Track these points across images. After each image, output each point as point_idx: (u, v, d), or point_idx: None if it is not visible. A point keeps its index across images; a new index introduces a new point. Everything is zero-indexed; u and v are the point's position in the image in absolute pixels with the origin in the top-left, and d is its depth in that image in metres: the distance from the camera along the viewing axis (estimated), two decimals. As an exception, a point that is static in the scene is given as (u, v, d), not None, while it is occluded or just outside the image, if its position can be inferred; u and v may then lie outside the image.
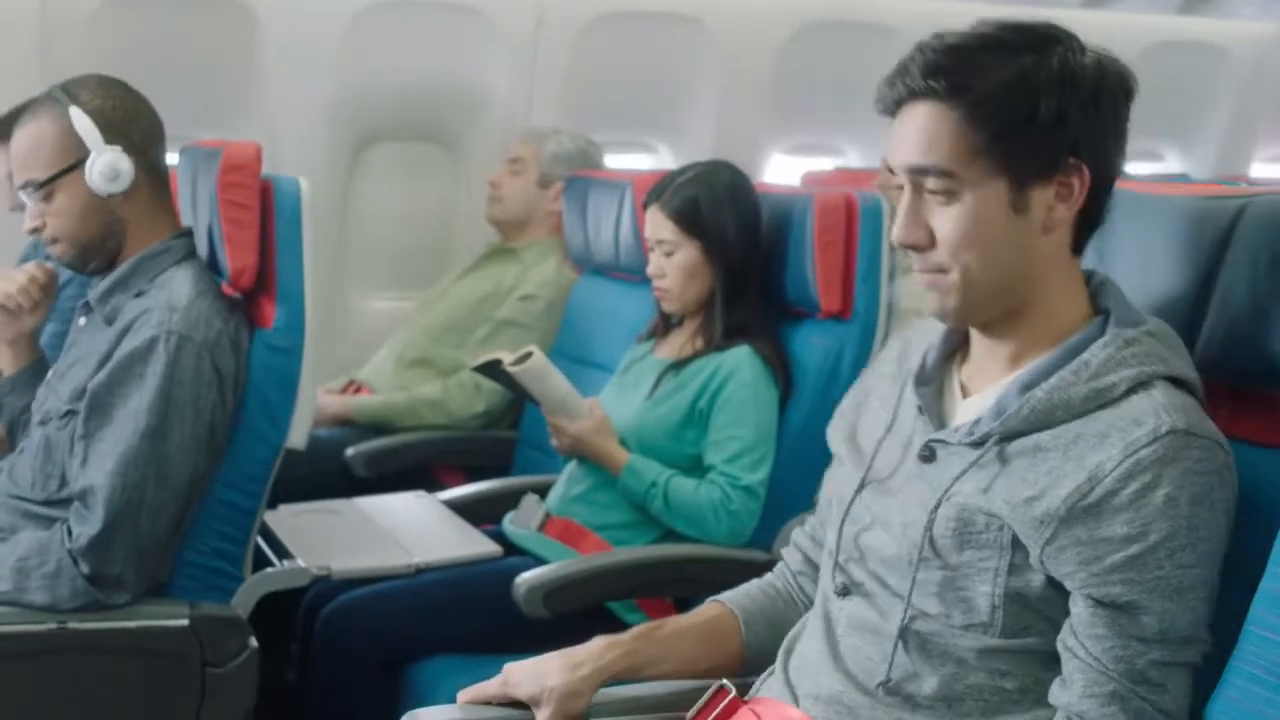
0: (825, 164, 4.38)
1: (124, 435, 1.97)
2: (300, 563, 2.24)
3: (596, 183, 3.03)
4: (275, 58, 3.51)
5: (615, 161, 3.94)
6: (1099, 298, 1.34)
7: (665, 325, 2.53)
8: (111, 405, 1.99)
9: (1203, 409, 1.26)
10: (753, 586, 1.68)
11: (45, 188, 2.07)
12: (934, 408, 1.40)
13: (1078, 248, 1.34)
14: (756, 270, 2.40)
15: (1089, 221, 1.32)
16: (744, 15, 4.01)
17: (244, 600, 2.11)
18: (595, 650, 1.56)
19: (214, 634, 2.05)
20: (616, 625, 2.25)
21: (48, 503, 2.06)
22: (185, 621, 2.03)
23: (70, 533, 1.97)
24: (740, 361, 2.33)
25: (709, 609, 1.65)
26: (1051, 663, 1.27)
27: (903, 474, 1.39)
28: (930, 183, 1.28)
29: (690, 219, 2.38)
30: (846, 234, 2.36)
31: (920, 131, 1.28)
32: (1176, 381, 1.26)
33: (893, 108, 1.32)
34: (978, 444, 1.30)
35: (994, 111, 1.25)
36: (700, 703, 1.53)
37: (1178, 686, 1.22)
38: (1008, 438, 1.28)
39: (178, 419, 1.99)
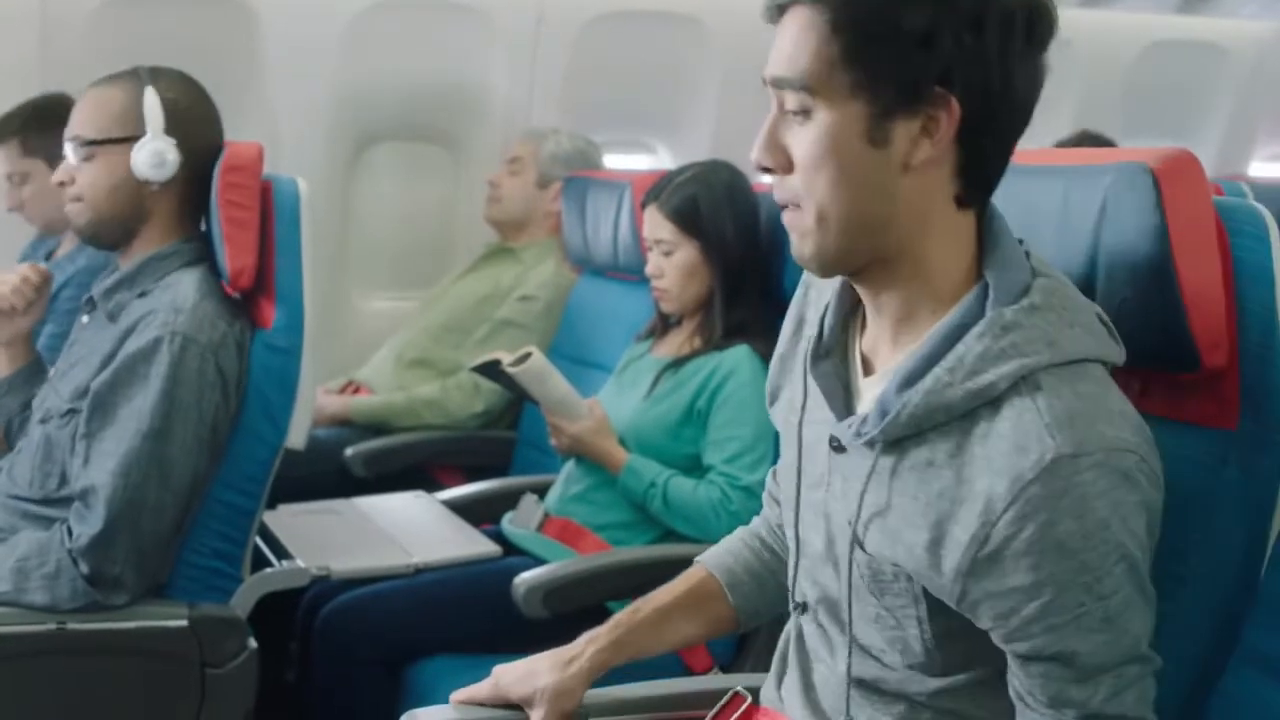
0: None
1: (126, 435, 1.97)
2: (300, 563, 2.24)
3: (595, 183, 3.03)
4: (275, 58, 3.51)
5: (614, 161, 3.94)
6: (986, 256, 1.20)
7: (664, 325, 2.54)
8: (114, 405, 1.99)
9: (1109, 375, 1.17)
10: (735, 542, 1.62)
11: (90, 147, 2.07)
12: (835, 390, 1.27)
13: (967, 199, 1.19)
14: (755, 270, 2.40)
15: (974, 170, 1.17)
16: (743, 15, 4.00)
17: (243, 601, 2.11)
18: (582, 646, 1.53)
19: (213, 634, 2.05)
20: (616, 625, 2.26)
21: (46, 501, 2.06)
22: (184, 622, 2.03)
23: (70, 532, 1.97)
24: (739, 361, 2.33)
25: (691, 576, 1.60)
26: (1005, 690, 1.21)
27: (824, 464, 1.29)
28: (789, 99, 1.17)
29: (689, 219, 2.38)
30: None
31: (788, 39, 1.16)
32: (1066, 365, 1.14)
33: (775, 14, 1.19)
34: (870, 445, 1.21)
35: (855, 18, 1.12)
36: (716, 709, 1.51)
37: (1136, 701, 1.16)
38: (894, 442, 1.18)
39: (180, 420, 1.99)
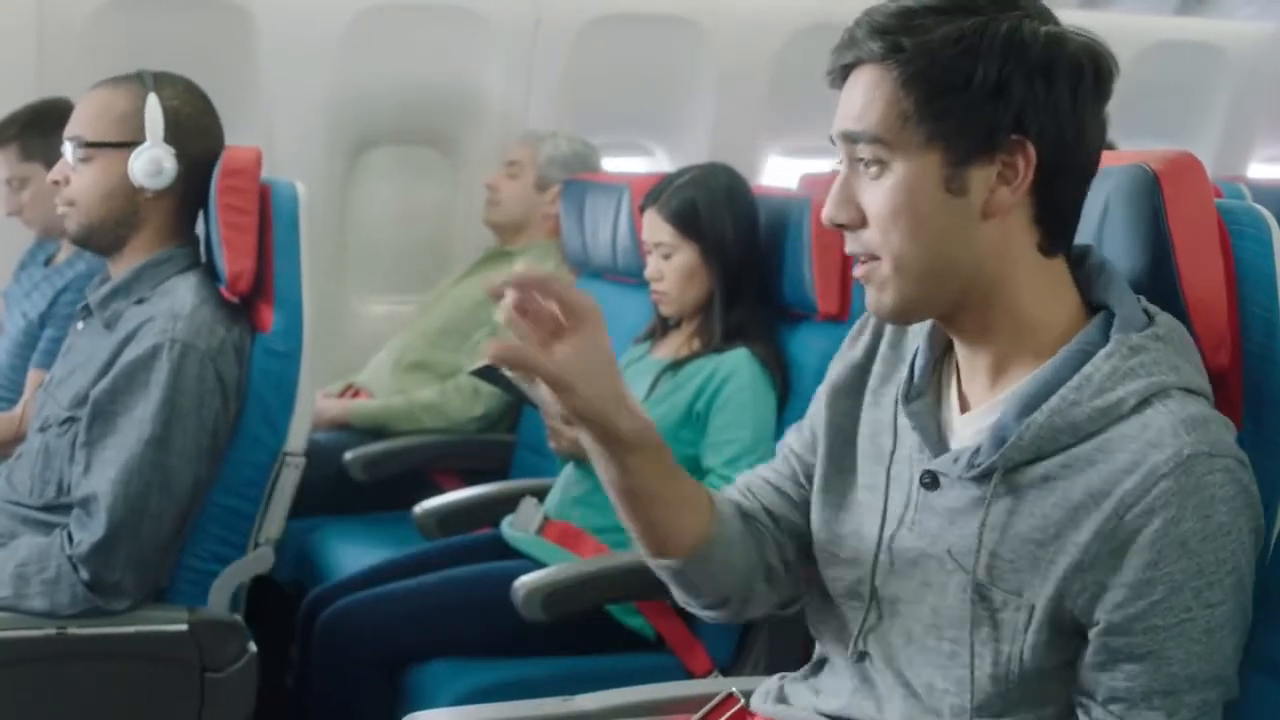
0: (822, 166, 4.38)
1: (127, 443, 1.97)
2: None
3: (594, 186, 3.02)
4: (272, 61, 3.51)
5: (612, 164, 3.94)
6: (1095, 290, 1.22)
7: (663, 327, 2.53)
8: (114, 413, 1.99)
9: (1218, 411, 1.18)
10: (733, 511, 1.43)
11: (87, 149, 2.07)
12: (930, 429, 1.27)
13: (1050, 247, 1.21)
14: (754, 273, 2.40)
15: (1052, 217, 1.20)
16: (741, 17, 4.01)
17: (219, 597, 2.09)
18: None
19: (213, 639, 2.05)
20: (616, 628, 2.26)
21: (46, 509, 2.06)
22: (184, 626, 2.03)
23: (71, 539, 1.97)
24: (738, 363, 2.32)
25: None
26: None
27: (906, 503, 1.28)
28: (862, 151, 1.18)
29: (688, 221, 2.38)
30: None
31: (857, 97, 1.18)
32: (1189, 391, 1.16)
33: (840, 77, 1.22)
34: (981, 478, 1.20)
35: (927, 72, 1.14)
36: (705, 710, 1.51)
37: None
38: (1012, 469, 1.18)
39: (180, 427, 1.99)
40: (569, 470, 2.49)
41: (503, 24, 3.74)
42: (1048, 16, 1.18)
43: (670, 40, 3.99)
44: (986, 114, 1.14)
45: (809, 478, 1.42)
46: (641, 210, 2.47)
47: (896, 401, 1.32)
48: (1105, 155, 1.24)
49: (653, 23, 3.93)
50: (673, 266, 2.40)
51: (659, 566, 1.39)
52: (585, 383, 1.22)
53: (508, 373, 2.54)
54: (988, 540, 1.20)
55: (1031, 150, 1.15)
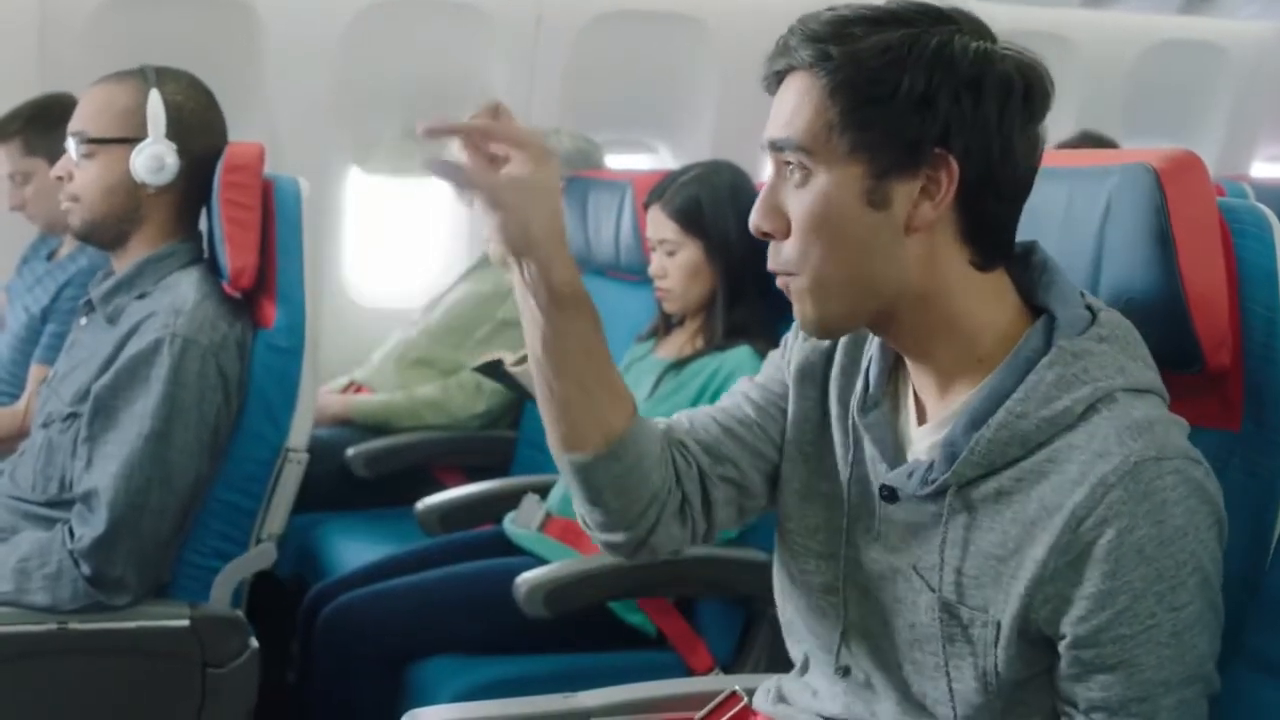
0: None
1: (128, 438, 1.97)
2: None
3: (597, 183, 3.02)
4: (276, 58, 3.52)
5: (615, 161, 3.94)
6: (1038, 292, 1.21)
7: (666, 325, 2.53)
8: (116, 408, 1.99)
9: (1167, 407, 1.18)
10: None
11: (90, 145, 2.06)
12: (887, 441, 1.26)
13: (983, 263, 1.19)
14: (757, 270, 2.39)
15: (980, 235, 1.18)
16: (743, 13, 4.01)
17: (220, 592, 2.10)
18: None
19: (214, 634, 2.05)
20: (617, 625, 2.26)
21: (48, 504, 2.06)
22: (186, 622, 2.03)
23: (72, 534, 1.97)
24: (741, 361, 2.32)
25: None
26: None
27: (870, 517, 1.28)
28: (789, 157, 1.18)
29: (692, 219, 2.38)
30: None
31: (787, 104, 1.18)
32: (1137, 390, 1.16)
33: (774, 83, 1.21)
34: (935, 495, 1.20)
35: (853, 81, 1.13)
36: (709, 707, 1.51)
37: None
38: (966, 484, 1.18)
39: (182, 422, 1.99)
40: (570, 468, 2.49)
41: (505, 21, 3.74)
42: (984, 33, 1.17)
43: (673, 37, 3.99)
44: (911, 126, 1.13)
45: (761, 426, 1.38)
46: (645, 207, 2.47)
47: (852, 412, 1.31)
48: (1107, 154, 1.23)
49: (655, 19, 3.93)
50: (676, 264, 2.40)
51: (567, 462, 1.35)
52: (524, 207, 1.18)
53: (510, 369, 2.54)
54: (950, 558, 1.19)
55: (955, 165, 1.13)
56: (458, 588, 2.33)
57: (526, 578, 2.17)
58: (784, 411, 1.38)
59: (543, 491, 2.55)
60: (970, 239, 1.18)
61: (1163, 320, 1.23)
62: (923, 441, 1.24)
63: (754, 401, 1.40)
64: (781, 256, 1.20)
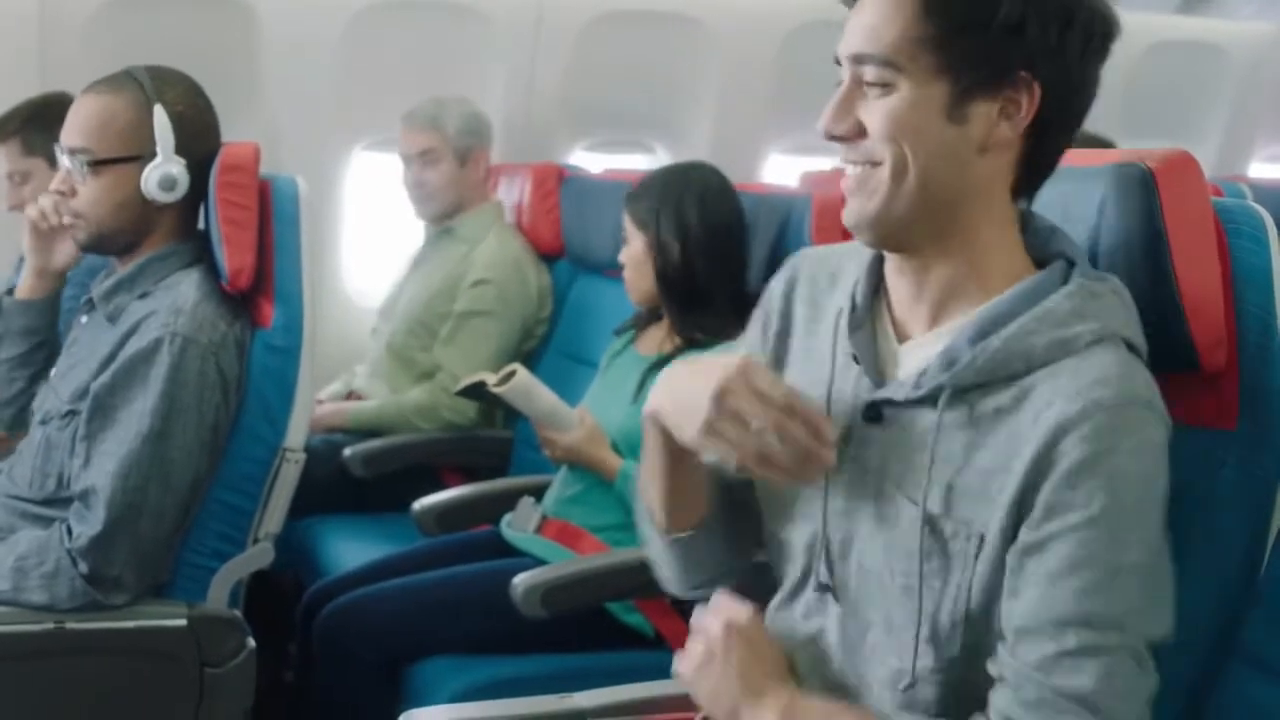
0: (824, 164, 4.38)
1: (127, 437, 1.97)
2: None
3: (594, 183, 3.03)
4: (274, 58, 3.51)
5: (614, 161, 3.94)
6: (1050, 244, 1.25)
7: (645, 319, 2.53)
8: (114, 407, 1.99)
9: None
10: None
11: (96, 165, 2.04)
12: (870, 358, 1.27)
13: (1022, 190, 1.24)
14: (721, 274, 2.37)
15: (1037, 161, 1.22)
16: (743, 15, 4.02)
17: (218, 592, 2.09)
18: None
19: (212, 634, 2.05)
20: (614, 625, 2.26)
21: (45, 502, 2.06)
22: (183, 622, 2.03)
23: (70, 532, 1.97)
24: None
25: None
26: None
27: (854, 441, 1.27)
28: (869, 73, 1.19)
29: (640, 212, 2.41)
30: (844, 233, 2.35)
31: (872, 16, 1.19)
32: (1133, 350, 1.19)
33: None
34: (926, 400, 1.20)
35: (949, 4, 1.16)
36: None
37: (1099, 676, 1.11)
38: (960, 392, 1.18)
39: (180, 422, 1.99)
40: (565, 470, 2.49)
41: (504, 21, 3.74)
42: None
43: (672, 38, 3.99)
44: (1000, 51, 1.16)
45: None
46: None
47: (835, 335, 1.32)
48: (1102, 154, 1.24)
49: (654, 20, 3.93)
50: (628, 254, 2.45)
51: (674, 540, 1.42)
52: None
53: (494, 389, 2.53)
54: (940, 473, 1.20)
55: (1038, 90, 1.17)
56: (455, 588, 2.33)
57: (523, 578, 2.17)
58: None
59: (539, 492, 2.55)
60: (1028, 165, 1.22)
61: (1158, 320, 1.23)
62: (911, 356, 1.25)
63: None
64: (862, 150, 1.21)
